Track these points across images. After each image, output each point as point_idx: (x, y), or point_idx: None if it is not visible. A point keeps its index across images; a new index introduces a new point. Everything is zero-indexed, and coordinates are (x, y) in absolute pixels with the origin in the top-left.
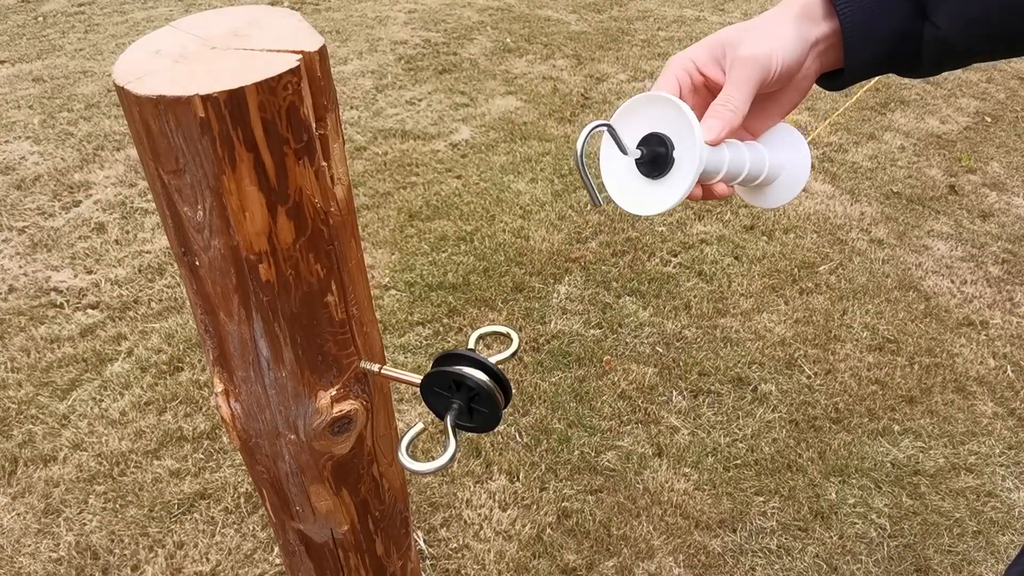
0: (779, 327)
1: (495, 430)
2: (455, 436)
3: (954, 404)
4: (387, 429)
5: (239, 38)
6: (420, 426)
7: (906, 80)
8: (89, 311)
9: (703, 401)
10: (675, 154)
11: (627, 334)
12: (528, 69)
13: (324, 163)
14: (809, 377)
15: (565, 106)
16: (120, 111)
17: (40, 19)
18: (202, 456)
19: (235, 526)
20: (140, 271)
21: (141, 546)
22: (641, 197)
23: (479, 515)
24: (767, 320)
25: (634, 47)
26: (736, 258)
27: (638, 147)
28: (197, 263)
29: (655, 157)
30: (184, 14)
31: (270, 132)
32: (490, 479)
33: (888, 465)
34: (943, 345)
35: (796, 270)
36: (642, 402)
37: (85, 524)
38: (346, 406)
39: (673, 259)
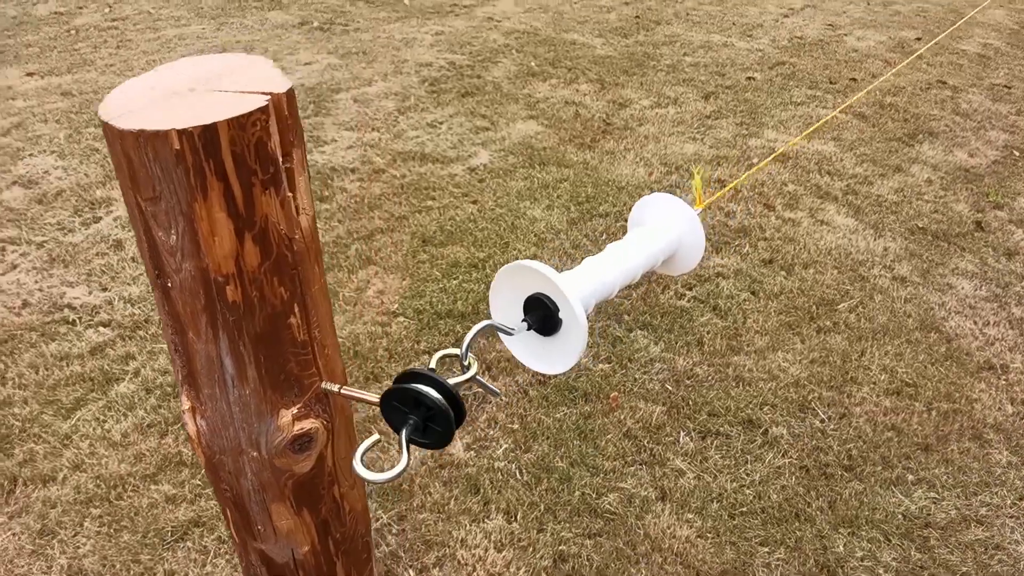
0: (794, 367)
1: (496, 467)
2: (408, 450)
3: (970, 453)
4: (348, 451)
5: (216, 81)
6: (376, 437)
7: (935, 110)
8: (101, 329)
9: (711, 443)
10: (560, 315)
11: (636, 370)
12: (551, 93)
13: (290, 194)
14: (823, 421)
15: (586, 132)
16: None
17: (73, 32)
18: (199, 483)
19: (226, 556)
20: (153, 290)
21: (132, 573)
22: (550, 356)
23: (473, 555)
24: (782, 359)
25: (659, 72)
26: (753, 293)
27: (526, 312)
28: (169, 284)
29: (545, 318)
30: (216, 32)
31: (239, 164)
32: (487, 518)
33: (899, 517)
34: (962, 390)
35: (814, 307)
36: (648, 442)
37: (79, 547)
38: (307, 424)
39: (688, 292)
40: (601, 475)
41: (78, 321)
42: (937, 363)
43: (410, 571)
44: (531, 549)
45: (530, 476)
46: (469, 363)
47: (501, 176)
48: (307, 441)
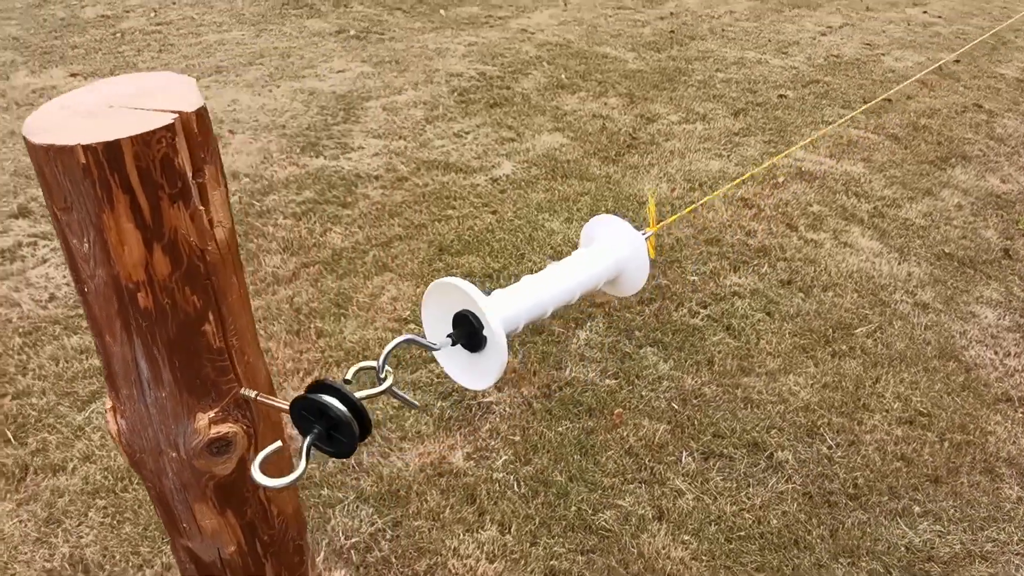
0: (805, 391)
1: (495, 478)
2: (307, 456)
3: (980, 486)
4: (277, 456)
5: (136, 99)
6: (277, 444)
7: (970, 134)
8: None
9: (714, 465)
10: (484, 332)
11: (643, 387)
12: (579, 106)
13: (201, 207)
14: (830, 448)
15: (611, 145)
16: None
17: (118, 35)
18: None
19: None
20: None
21: (131, 564)
22: (475, 371)
23: (464, 565)
24: (793, 383)
25: (690, 88)
26: (768, 314)
27: (455, 327)
28: (86, 289)
29: (470, 335)
30: (256, 38)
31: (145, 178)
32: (481, 528)
33: (902, 549)
34: (977, 422)
35: (831, 331)
36: (649, 460)
37: (82, 537)
38: (224, 428)
39: (702, 311)
40: (599, 491)
41: None
42: (953, 393)
43: None
44: (523, 562)
45: (527, 489)
46: (386, 375)
47: (522, 187)
48: (225, 444)
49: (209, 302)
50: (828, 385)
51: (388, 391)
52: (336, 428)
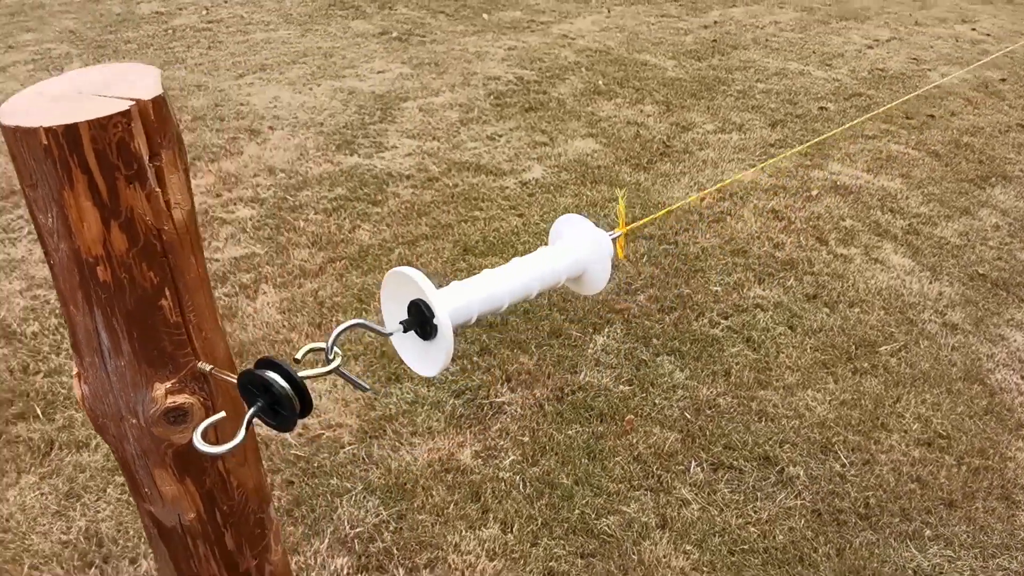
0: (822, 407)
1: (501, 477)
2: (247, 427)
3: (995, 513)
4: (235, 429)
5: (103, 87)
6: (222, 414)
7: (1012, 154)
8: None
9: (722, 476)
10: (435, 321)
11: (657, 394)
12: (614, 112)
13: (158, 189)
14: (844, 465)
15: (644, 152)
16: (221, 125)
17: (170, 32)
18: None
19: None
20: None
21: (142, 540)
22: (426, 358)
23: (464, 561)
24: (810, 398)
25: (728, 97)
26: (790, 328)
27: (409, 313)
28: (52, 262)
29: (422, 323)
30: (301, 38)
31: (102, 160)
32: (484, 526)
33: (910, 572)
34: (998, 447)
35: (854, 347)
36: (657, 468)
37: (99, 512)
38: (180, 399)
39: (723, 321)
40: (604, 496)
41: None
42: (976, 416)
43: (400, 569)
44: (522, 562)
45: (532, 490)
46: (334, 356)
47: (551, 192)
48: (182, 414)
49: (166, 278)
50: (846, 402)
51: (335, 371)
52: (278, 403)
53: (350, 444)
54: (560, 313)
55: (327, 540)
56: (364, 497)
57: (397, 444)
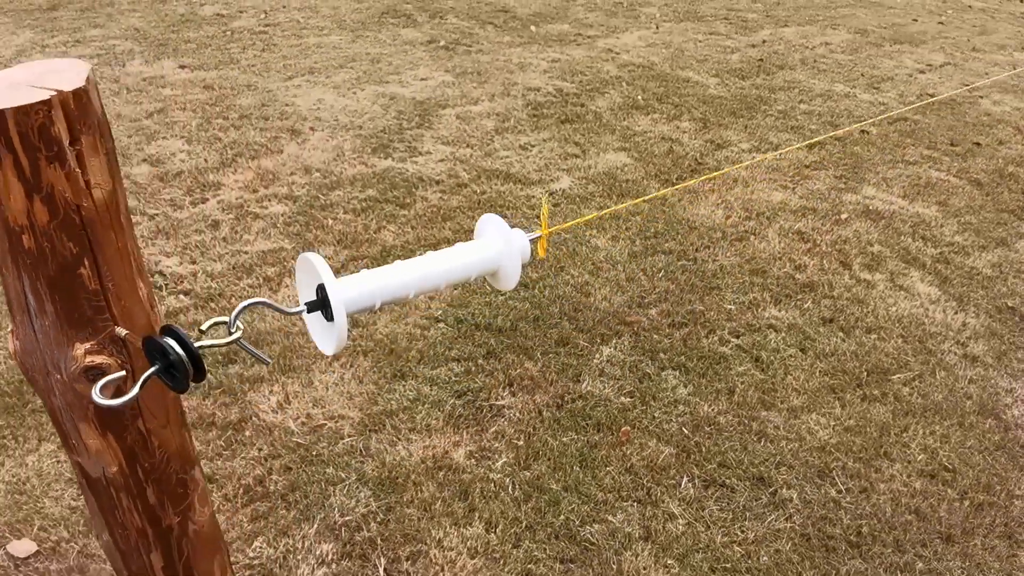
0: (824, 431)
1: (491, 478)
2: (141, 385)
3: (994, 551)
4: (161, 392)
5: (40, 79)
6: (121, 373)
7: None
8: (181, 296)
9: (713, 494)
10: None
11: (657, 408)
12: (650, 128)
13: (77, 169)
14: (840, 492)
15: (674, 169)
16: (265, 124)
17: (228, 33)
18: (223, 444)
19: (227, 514)
20: (233, 268)
21: None
22: (327, 338)
23: (446, 557)
24: (814, 422)
25: (768, 117)
26: (802, 350)
27: (317, 295)
28: None
29: (324, 305)
30: (351, 43)
31: (25, 142)
32: (468, 524)
33: None
34: (1006, 484)
35: (865, 374)
36: (648, 481)
37: None
38: (99, 359)
39: (733, 340)
40: (591, 504)
41: (164, 287)
42: (986, 451)
43: (382, 559)
44: (502, 562)
45: (521, 492)
46: (236, 329)
47: (576, 203)
48: (100, 373)
49: (85, 250)
50: (851, 428)
51: (236, 342)
52: (173, 367)
53: (350, 436)
54: (570, 322)
55: (316, 525)
56: (356, 487)
57: (395, 439)
